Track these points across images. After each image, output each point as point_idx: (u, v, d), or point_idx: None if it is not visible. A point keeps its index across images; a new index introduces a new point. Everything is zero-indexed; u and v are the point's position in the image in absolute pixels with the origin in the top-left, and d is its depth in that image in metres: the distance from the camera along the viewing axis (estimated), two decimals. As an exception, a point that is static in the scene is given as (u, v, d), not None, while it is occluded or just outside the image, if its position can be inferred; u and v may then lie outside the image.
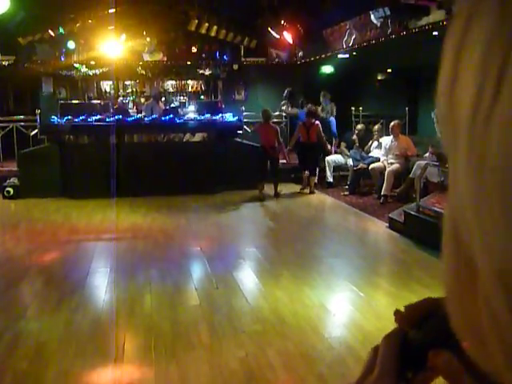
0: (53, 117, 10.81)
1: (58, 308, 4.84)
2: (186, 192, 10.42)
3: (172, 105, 15.70)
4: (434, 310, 0.50)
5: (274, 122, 11.25)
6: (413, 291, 5.17)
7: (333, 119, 12.19)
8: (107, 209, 9.28)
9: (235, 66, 15.71)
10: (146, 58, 15.57)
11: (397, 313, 0.54)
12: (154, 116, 11.42)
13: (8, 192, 10.36)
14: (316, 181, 11.09)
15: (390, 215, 7.96)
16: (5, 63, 14.16)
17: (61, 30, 12.64)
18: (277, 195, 10.50)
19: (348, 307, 4.85)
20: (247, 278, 5.73)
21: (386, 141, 10.32)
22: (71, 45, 14.10)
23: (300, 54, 14.48)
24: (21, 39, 11.93)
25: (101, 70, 15.96)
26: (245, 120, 11.85)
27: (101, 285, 5.48)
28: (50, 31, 12.15)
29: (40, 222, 8.63)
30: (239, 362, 3.78)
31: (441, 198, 8.20)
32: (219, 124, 11.12)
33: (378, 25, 10.31)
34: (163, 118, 11.06)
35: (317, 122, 11.01)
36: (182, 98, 17.28)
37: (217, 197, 10.39)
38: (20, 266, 6.24)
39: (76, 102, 14.10)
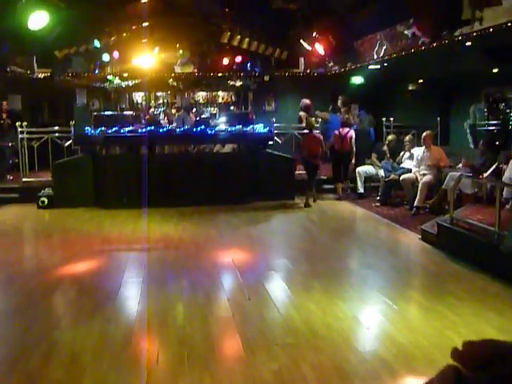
0: (86, 128, 11.00)
1: (91, 318, 4.90)
2: (217, 202, 10.49)
3: (203, 116, 15.84)
4: (501, 354, 0.46)
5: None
6: (446, 305, 5.09)
7: (372, 130, 12.22)
8: (139, 219, 9.39)
9: (266, 78, 15.76)
10: (178, 69, 15.75)
11: (454, 350, 0.51)
12: (185, 127, 11.53)
13: (43, 202, 10.58)
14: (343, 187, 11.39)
15: (422, 227, 7.87)
16: (41, 76, 14.50)
17: (96, 44, 12.89)
18: (313, 202, 10.80)
19: (381, 320, 4.79)
20: (279, 289, 5.72)
21: (418, 152, 10.23)
22: (105, 57, 14.36)
23: (331, 64, 14.47)
24: (57, 52, 12.21)
25: (133, 82, 16.21)
26: (275, 131, 11.87)
27: (133, 295, 5.54)
28: (85, 45, 12.37)
29: (73, 231, 8.78)
30: (273, 375, 3.77)
31: (475, 209, 8.09)
32: (250, 135, 11.16)
33: (409, 35, 10.25)
34: (194, 129, 11.15)
35: (351, 131, 11.32)
36: (212, 109, 17.42)
37: (248, 207, 10.42)
38: (54, 275, 6.34)
39: (109, 113, 14.31)
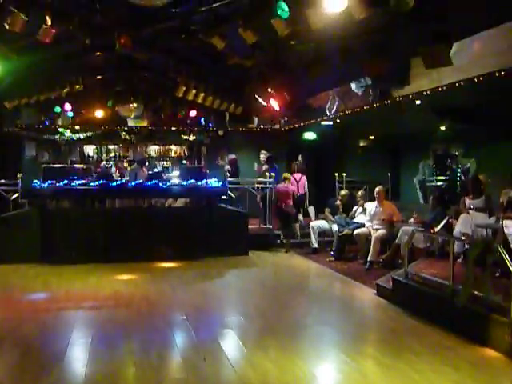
0: (35, 181, 10.69)
1: (37, 382, 4.58)
2: (170, 258, 10.26)
3: (155, 169, 15.73)
4: None
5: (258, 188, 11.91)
6: (405, 361, 5.04)
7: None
8: (88, 275, 9.06)
9: (220, 132, 15.90)
10: (131, 123, 15.70)
11: None
12: (138, 181, 11.37)
13: (-15, 257, 10.09)
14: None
15: (377, 282, 7.87)
16: (-12, 127, 14.18)
17: (56, 109, 12.92)
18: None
19: (339, 378, 4.68)
20: (235, 348, 5.52)
21: (371, 206, 10.36)
22: (57, 109, 14.18)
23: (285, 119, 14.72)
24: (7, 103, 11.95)
25: (85, 135, 16.06)
26: (229, 186, 11.85)
27: (81, 357, 5.21)
28: (36, 96, 12.19)
29: (17, 288, 8.34)
30: None
31: (428, 263, 8.18)
32: (203, 189, 11.10)
33: (360, 94, 10.56)
34: (148, 183, 11.01)
35: (303, 177, 12.98)
36: (165, 162, 17.38)
37: (201, 263, 10.23)
38: (-4, 335, 5.97)
39: (59, 166, 14.01)
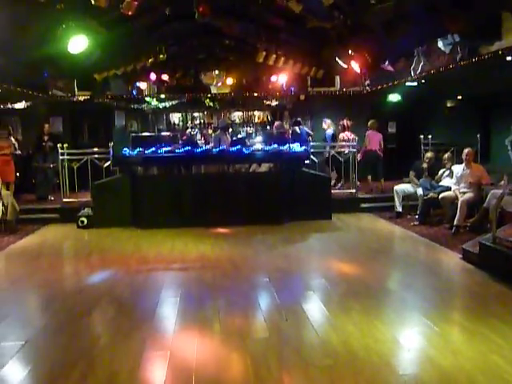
0: (124, 149, 11.17)
1: (129, 337, 4.91)
2: (254, 222, 10.47)
3: (239, 135, 15.94)
4: None
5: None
6: (491, 328, 4.92)
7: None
8: (176, 239, 9.45)
9: (302, 97, 15.79)
10: (214, 90, 15.94)
11: None
12: (221, 147, 11.59)
13: (82, 222, 10.78)
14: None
15: (463, 246, 7.67)
16: (81, 98, 14.87)
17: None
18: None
19: (422, 342, 4.65)
20: (317, 310, 5.62)
21: (458, 169, 10.02)
22: (143, 79, 14.65)
23: (367, 82, 14.41)
24: (96, 76, 12.47)
25: (170, 103, 16.48)
26: (311, 150, 11.84)
27: (170, 314, 5.54)
28: (123, 67, 12.63)
29: (111, 251, 8.88)
30: (311, 398, 3.69)
31: (518, 228, 7.85)
32: (286, 154, 11.14)
33: (447, 52, 10.12)
34: (231, 149, 11.20)
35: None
36: (248, 128, 17.53)
37: (284, 227, 10.38)
38: (93, 294, 6.41)
39: (146, 134, 14.52)
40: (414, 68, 11.41)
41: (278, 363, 4.25)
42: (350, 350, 4.48)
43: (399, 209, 11.09)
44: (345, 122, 13.60)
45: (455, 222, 9.28)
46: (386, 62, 11.27)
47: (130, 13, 7.37)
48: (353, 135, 13.20)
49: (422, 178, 10.71)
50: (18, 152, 12.65)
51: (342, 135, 13.32)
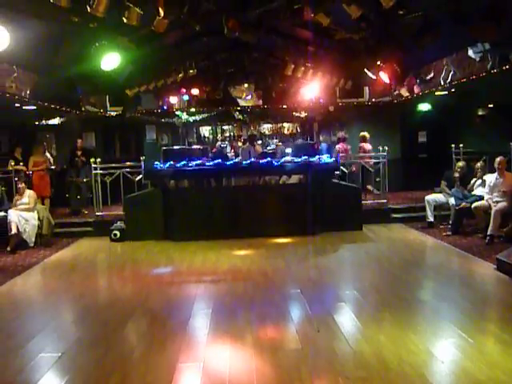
0: (156, 162, 11.32)
1: (162, 349, 4.98)
2: (284, 234, 10.50)
3: (268, 147, 16.01)
4: None
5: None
6: (527, 339, 4.84)
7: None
8: (207, 251, 9.53)
9: (331, 108, 15.80)
10: (243, 103, 16.08)
11: None
12: (251, 159, 11.66)
13: (115, 235, 10.94)
14: None
15: (498, 256, 7.55)
16: (113, 114, 15.17)
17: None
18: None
19: (457, 354, 4.60)
20: (348, 321, 5.62)
21: (490, 178, 9.89)
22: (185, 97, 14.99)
23: (396, 92, 14.35)
24: (128, 91, 12.69)
25: (200, 117, 16.69)
26: (341, 161, 11.83)
27: (203, 326, 5.59)
28: (154, 82, 12.84)
29: (144, 263, 9.01)
30: (344, 410, 3.69)
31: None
32: (316, 165, 11.15)
33: (477, 60, 10.04)
34: (261, 161, 11.26)
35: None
36: (277, 140, 17.59)
37: (315, 238, 10.38)
38: (127, 306, 6.52)
39: (177, 147, 14.69)
40: (443, 77, 11.33)
41: (310, 375, 4.26)
42: (382, 361, 4.47)
43: (431, 219, 10.98)
44: (341, 134, 14.15)
45: (489, 232, 9.15)
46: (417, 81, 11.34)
47: (161, 30, 7.53)
48: (349, 146, 13.78)
49: (454, 188, 10.59)
50: (53, 167, 12.95)
51: (337, 147, 13.63)
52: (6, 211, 10.56)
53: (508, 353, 4.58)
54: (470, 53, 10.07)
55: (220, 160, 11.36)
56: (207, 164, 11.17)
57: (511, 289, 6.68)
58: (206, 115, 16.81)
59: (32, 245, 10.46)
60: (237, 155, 14.25)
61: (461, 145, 12.40)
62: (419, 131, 16.30)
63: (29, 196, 10.78)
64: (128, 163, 12.10)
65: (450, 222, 10.40)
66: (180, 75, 12.83)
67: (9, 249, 10.07)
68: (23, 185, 10.93)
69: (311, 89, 14.36)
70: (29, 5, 7.42)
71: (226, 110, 16.55)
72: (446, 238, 9.89)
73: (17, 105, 11.50)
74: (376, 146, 12.67)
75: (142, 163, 11.56)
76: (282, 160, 11.49)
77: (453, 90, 12.01)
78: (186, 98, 15.56)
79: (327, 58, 11.66)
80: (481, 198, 9.93)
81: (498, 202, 9.45)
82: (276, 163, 11.15)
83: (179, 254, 9.48)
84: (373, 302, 6.29)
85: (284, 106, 16.24)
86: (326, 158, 11.37)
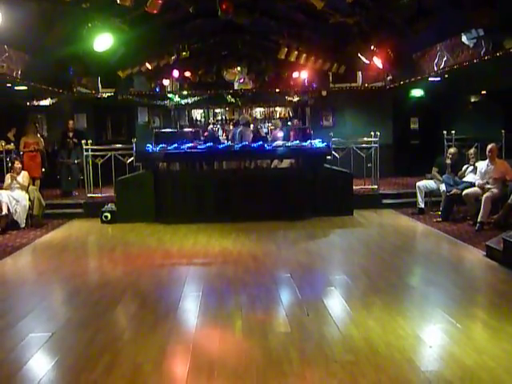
0: (147, 145, 11.28)
1: (152, 330, 4.99)
2: (276, 218, 10.52)
3: (260, 131, 15.97)
4: None
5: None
6: (516, 325, 4.89)
7: None
8: (198, 234, 9.54)
9: (323, 92, 15.76)
10: (236, 86, 15.99)
11: None
12: (243, 142, 11.63)
13: (106, 217, 10.92)
14: None
15: (487, 243, 7.61)
16: (105, 95, 15.04)
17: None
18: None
19: (445, 339, 4.64)
20: (338, 305, 5.65)
21: (482, 165, 9.93)
22: (166, 76, 14.77)
23: (389, 78, 14.32)
24: (120, 73, 12.59)
25: (192, 100, 16.59)
26: (333, 146, 11.82)
27: (193, 309, 5.61)
28: (146, 64, 12.74)
29: (135, 246, 9.00)
30: (332, 393, 3.72)
31: (543, 225, 7.77)
32: (308, 150, 11.15)
33: (471, 46, 10.01)
34: (252, 145, 11.24)
35: None
36: (270, 124, 17.55)
37: (306, 223, 10.40)
38: (117, 288, 6.51)
39: (169, 130, 14.62)
40: (437, 63, 11.30)
41: (299, 358, 4.29)
42: (371, 345, 4.50)
43: (422, 205, 11.03)
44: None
45: (479, 219, 9.20)
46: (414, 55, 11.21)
47: (154, 11, 7.44)
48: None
49: (445, 174, 10.63)
50: (43, 148, 12.86)
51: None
52: (-4, 192, 10.50)
53: (496, 338, 4.63)
54: (464, 39, 10.03)
55: (212, 143, 11.33)
56: (199, 147, 11.14)
57: (500, 275, 6.72)
58: (198, 98, 16.71)
59: (23, 226, 10.42)
60: (229, 139, 14.21)
61: (453, 131, 12.42)
62: (411, 117, 16.31)
63: (23, 176, 10.75)
64: (119, 145, 12.05)
65: (441, 208, 10.45)
66: (173, 57, 12.73)
67: (-1, 229, 10.05)
68: (20, 165, 10.89)
69: (304, 73, 14.30)
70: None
71: (219, 94, 16.46)
72: (436, 224, 9.94)
73: (8, 85, 11.39)
74: (368, 132, 12.66)
75: (134, 145, 11.50)
76: (274, 144, 11.48)
77: (446, 76, 11.99)
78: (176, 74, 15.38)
79: (321, 42, 11.61)
80: (472, 184, 9.97)
81: (488, 188, 9.49)
82: (268, 147, 11.13)
83: (170, 237, 9.48)
84: (362, 287, 6.32)
85: (277, 90, 16.18)
86: (317, 143, 11.36)
